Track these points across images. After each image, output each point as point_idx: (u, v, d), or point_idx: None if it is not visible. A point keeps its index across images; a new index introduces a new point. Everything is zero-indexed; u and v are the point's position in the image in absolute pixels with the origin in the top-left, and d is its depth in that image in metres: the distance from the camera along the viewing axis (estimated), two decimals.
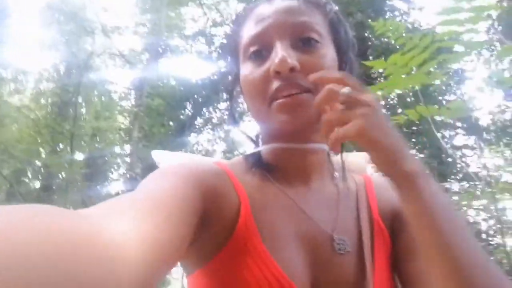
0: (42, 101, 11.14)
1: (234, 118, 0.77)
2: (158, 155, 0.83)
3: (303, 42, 0.64)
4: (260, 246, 0.59)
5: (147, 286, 0.37)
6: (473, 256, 0.49)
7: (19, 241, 0.26)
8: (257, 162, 0.70)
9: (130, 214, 0.41)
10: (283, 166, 0.70)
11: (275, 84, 0.62)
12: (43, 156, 10.14)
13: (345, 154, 0.77)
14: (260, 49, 0.65)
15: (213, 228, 0.59)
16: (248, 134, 0.77)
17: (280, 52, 0.61)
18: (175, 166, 0.62)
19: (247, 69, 0.66)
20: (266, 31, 0.64)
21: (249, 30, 0.67)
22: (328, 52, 0.66)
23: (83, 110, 11.58)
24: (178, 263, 0.63)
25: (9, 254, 0.25)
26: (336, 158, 0.80)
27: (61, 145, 10.31)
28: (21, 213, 0.29)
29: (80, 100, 10.18)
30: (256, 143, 0.77)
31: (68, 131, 9.46)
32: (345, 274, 0.63)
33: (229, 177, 0.65)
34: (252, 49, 0.66)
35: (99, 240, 0.32)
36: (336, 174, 0.75)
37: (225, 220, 0.60)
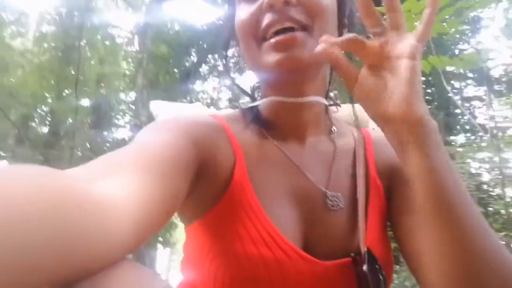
0: (45, 45, 10.91)
1: (229, 70, 0.75)
2: (156, 106, 0.82)
3: None
4: (254, 201, 0.60)
5: (141, 237, 0.38)
6: (469, 212, 0.48)
7: (7, 202, 0.25)
8: (254, 118, 0.69)
9: (124, 171, 0.41)
10: (279, 121, 0.69)
11: (267, 19, 0.59)
12: (49, 101, 10.13)
13: (345, 106, 0.76)
14: None
15: (209, 182, 0.60)
16: (243, 87, 0.76)
17: None
18: (170, 120, 0.62)
19: (240, 9, 0.63)
20: None
21: None
22: None
23: (87, 55, 11.38)
24: (176, 214, 0.65)
25: None
26: (337, 114, 0.79)
27: (66, 91, 10.26)
28: (9, 174, 0.29)
29: (83, 44, 9.95)
30: (252, 97, 0.76)
31: (73, 76, 9.36)
32: (337, 229, 0.64)
33: (225, 131, 0.65)
34: None
35: (90, 196, 0.33)
36: (334, 128, 0.74)
37: (220, 174, 0.61)
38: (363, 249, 0.61)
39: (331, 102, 0.75)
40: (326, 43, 0.53)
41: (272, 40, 0.59)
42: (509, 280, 0.46)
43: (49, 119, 10.54)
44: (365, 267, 0.58)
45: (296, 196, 0.64)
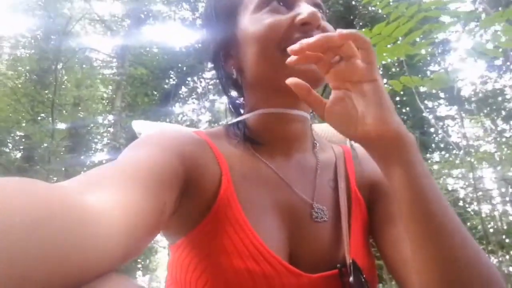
0: (20, 68, 10.75)
1: (227, 85, 0.75)
2: (139, 125, 0.82)
3: (316, 7, 0.66)
4: (240, 216, 0.60)
5: (129, 250, 0.38)
6: (450, 221, 0.50)
7: None
8: (240, 133, 0.70)
9: (110, 184, 0.41)
10: (266, 134, 0.70)
11: (296, 34, 0.62)
12: (24, 125, 9.90)
13: (325, 124, 0.78)
14: (279, 5, 0.65)
15: (195, 198, 0.60)
16: (229, 105, 0.76)
17: (311, 7, 0.62)
18: (154, 136, 0.62)
19: (262, 17, 0.65)
20: None
21: None
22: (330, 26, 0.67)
23: (64, 78, 11.26)
24: (161, 233, 0.64)
25: None
26: (316, 130, 0.81)
27: (42, 115, 10.07)
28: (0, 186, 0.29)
29: (60, 67, 9.84)
30: (236, 114, 0.77)
31: (48, 100, 9.22)
32: (322, 242, 0.65)
33: (210, 147, 0.66)
34: (271, 2, 0.65)
35: (78, 207, 0.33)
36: (317, 143, 0.76)
37: (206, 190, 0.61)
38: (348, 261, 0.61)
39: (314, 118, 0.77)
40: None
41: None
42: (490, 284, 0.48)
43: (23, 143, 10.27)
44: (351, 279, 0.59)
45: (282, 210, 0.65)
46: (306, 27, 0.62)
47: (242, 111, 0.76)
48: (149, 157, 0.52)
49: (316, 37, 0.50)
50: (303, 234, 0.64)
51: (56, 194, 0.32)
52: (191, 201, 0.59)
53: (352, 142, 0.84)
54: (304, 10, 0.62)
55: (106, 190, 0.40)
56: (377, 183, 0.71)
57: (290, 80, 0.54)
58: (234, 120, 0.72)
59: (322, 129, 0.87)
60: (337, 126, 0.55)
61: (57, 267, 0.27)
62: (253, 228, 0.60)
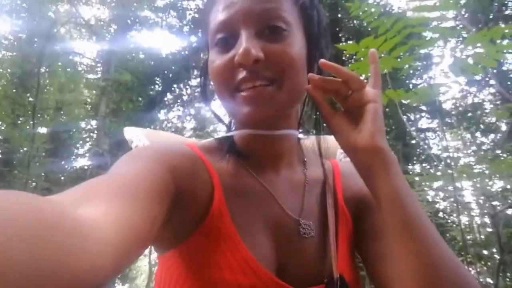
0: (1, 70, 10.51)
1: (207, 96, 0.76)
2: (130, 132, 0.82)
3: (270, 30, 0.62)
4: (232, 230, 0.61)
5: (120, 263, 0.38)
6: (431, 234, 0.54)
7: None
8: (230, 148, 0.71)
9: (101, 197, 0.42)
10: (254, 152, 0.71)
11: (240, 74, 0.62)
12: (3, 128, 9.64)
13: (316, 137, 0.79)
14: (226, 37, 0.63)
15: (187, 211, 0.60)
16: (219, 115, 0.77)
17: (245, 43, 0.59)
18: (147, 149, 0.62)
19: (213, 56, 0.65)
20: (232, 18, 0.62)
21: (216, 16, 0.65)
22: (295, 41, 0.64)
23: (47, 82, 11.05)
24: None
25: None
26: (306, 144, 0.82)
27: (22, 118, 9.85)
28: None
29: (43, 70, 9.66)
30: (228, 126, 0.77)
31: (30, 103, 9.03)
32: (309, 256, 0.66)
33: (202, 161, 0.66)
34: (218, 36, 0.64)
35: (69, 219, 0.32)
36: (305, 159, 0.77)
37: (198, 204, 0.62)
38: (336, 275, 0.63)
39: (303, 132, 0.77)
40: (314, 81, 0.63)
41: (243, 94, 0.62)
42: (461, 284, 0.52)
43: (2, 147, 9.99)
44: None
45: (271, 225, 0.66)
46: (244, 66, 0.60)
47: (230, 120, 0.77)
48: (140, 171, 0.52)
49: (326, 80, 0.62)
50: (290, 249, 0.65)
51: (47, 207, 0.32)
52: (182, 214, 0.59)
53: (342, 157, 0.86)
54: (238, 48, 0.60)
55: (97, 203, 0.40)
56: (364, 198, 0.73)
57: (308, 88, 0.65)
58: (223, 135, 0.73)
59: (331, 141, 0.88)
60: (337, 134, 0.63)
61: (46, 280, 0.27)
62: (244, 242, 0.60)
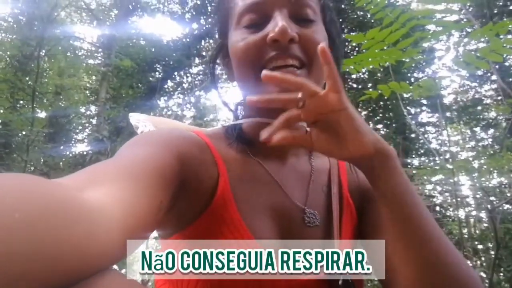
0: (0, 53, 10.43)
1: (215, 82, 0.77)
2: (135, 118, 0.82)
3: (300, 17, 0.64)
4: (236, 216, 0.62)
5: (127, 250, 0.38)
6: (431, 227, 0.55)
7: None
8: (237, 136, 0.71)
9: (108, 181, 0.42)
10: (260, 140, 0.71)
11: (270, 53, 0.62)
12: (2, 112, 9.60)
13: None
14: (256, 18, 0.64)
15: (192, 197, 0.61)
16: (227, 102, 0.77)
17: (281, 21, 0.60)
18: (154, 134, 0.62)
19: (239, 36, 0.65)
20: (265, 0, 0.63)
21: None
22: (322, 31, 0.66)
23: (46, 66, 10.97)
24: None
25: None
26: None
27: (21, 102, 9.80)
28: None
29: (42, 54, 9.58)
30: (235, 113, 0.77)
31: (29, 87, 8.97)
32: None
33: (209, 148, 0.66)
34: (248, 16, 0.64)
35: (78, 203, 0.33)
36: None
37: (203, 190, 0.62)
38: None
39: None
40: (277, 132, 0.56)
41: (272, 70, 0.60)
42: (464, 279, 0.53)
43: (1, 130, 9.97)
44: (340, 282, 0.61)
45: (275, 212, 0.66)
46: (280, 44, 0.61)
47: (239, 107, 0.76)
48: (147, 155, 0.52)
49: (281, 76, 0.54)
50: (294, 237, 0.66)
51: (55, 190, 0.32)
52: (187, 200, 0.60)
53: None
54: (274, 26, 0.60)
55: (104, 187, 0.40)
56: (368, 191, 0.73)
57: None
58: (232, 123, 0.73)
59: None
60: (325, 153, 0.57)
61: (55, 263, 0.27)
62: (248, 229, 0.61)
